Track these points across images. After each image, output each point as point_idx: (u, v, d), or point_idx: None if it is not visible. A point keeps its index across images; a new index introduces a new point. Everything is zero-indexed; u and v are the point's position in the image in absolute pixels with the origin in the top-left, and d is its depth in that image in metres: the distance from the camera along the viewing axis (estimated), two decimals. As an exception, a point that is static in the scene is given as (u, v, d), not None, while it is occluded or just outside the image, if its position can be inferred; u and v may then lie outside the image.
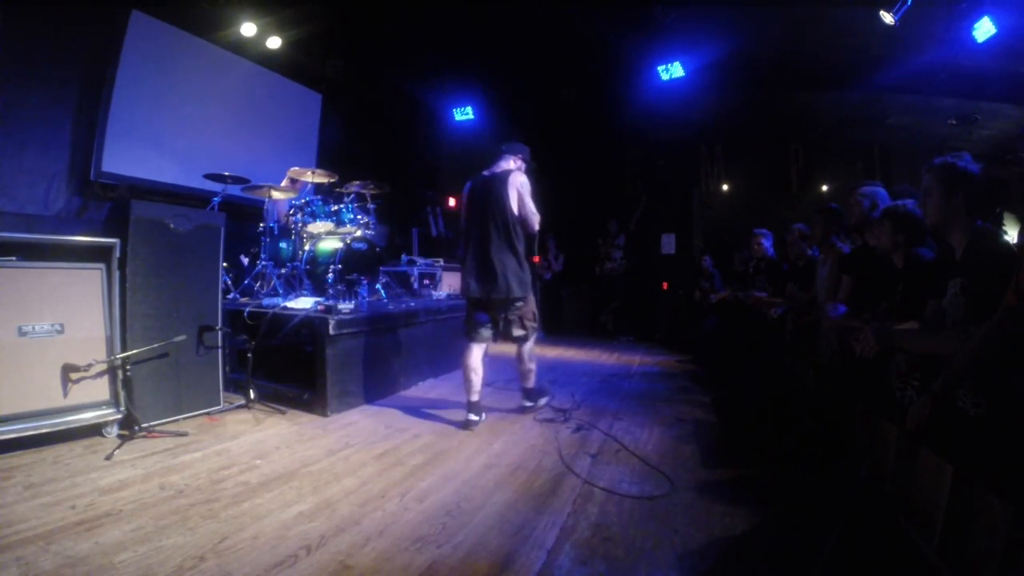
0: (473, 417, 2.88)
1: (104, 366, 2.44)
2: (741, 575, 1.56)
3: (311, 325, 3.17)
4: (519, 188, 2.87)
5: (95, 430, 2.44)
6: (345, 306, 3.30)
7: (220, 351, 3.00)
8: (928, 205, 1.78)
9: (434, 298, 5.21)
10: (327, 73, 6.85)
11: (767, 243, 4.71)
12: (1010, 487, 1.14)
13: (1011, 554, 1.12)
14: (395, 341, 3.68)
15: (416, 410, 3.21)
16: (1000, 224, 5.27)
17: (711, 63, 5.99)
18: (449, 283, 5.81)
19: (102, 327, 2.46)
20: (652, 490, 2.07)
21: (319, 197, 4.44)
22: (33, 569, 1.38)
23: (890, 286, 2.29)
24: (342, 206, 4.43)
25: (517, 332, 2.94)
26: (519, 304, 2.90)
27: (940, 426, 1.42)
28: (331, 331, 3.04)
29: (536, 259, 3.21)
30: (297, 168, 4.53)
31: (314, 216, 4.27)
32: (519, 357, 3.08)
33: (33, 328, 2.25)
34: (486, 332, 2.95)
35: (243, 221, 4.72)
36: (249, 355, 3.12)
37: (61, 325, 2.33)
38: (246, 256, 4.59)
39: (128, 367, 2.49)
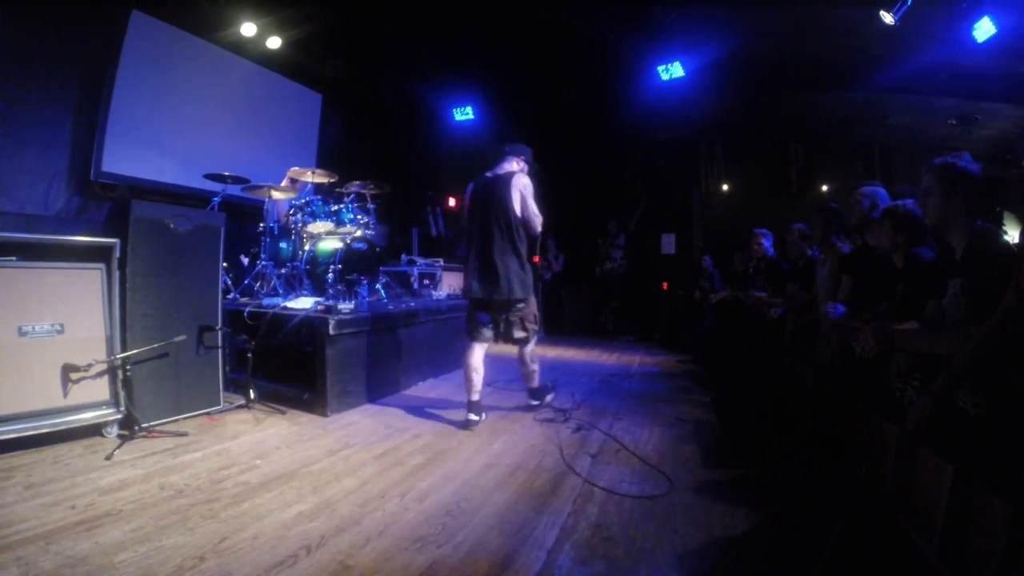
0: (473, 417, 2.88)
1: (104, 366, 2.44)
2: (741, 575, 1.56)
3: (311, 325, 3.18)
4: (522, 190, 2.88)
5: (95, 430, 2.44)
6: (345, 306, 3.30)
7: (220, 351, 3.00)
8: (928, 205, 1.78)
9: (434, 298, 5.21)
10: (327, 73, 6.85)
11: (767, 243, 4.70)
12: (1010, 487, 1.14)
13: (1011, 554, 1.12)
14: (395, 341, 3.68)
15: (416, 410, 3.21)
16: (1000, 224, 5.27)
17: (711, 63, 5.99)
18: (449, 283, 5.81)
19: (102, 327, 2.46)
20: (652, 490, 2.07)
21: (319, 197, 4.44)
22: (33, 569, 1.38)
23: (890, 286, 2.29)
24: (342, 206, 4.43)
25: (518, 334, 2.95)
26: (520, 306, 2.91)
27: (940, 426, 1.42)
28: (331, 331, 3.05)
29: (536, 259, 3.21)
30: (297, 168, 4.53)
31: (314, 216, 4.27)
32: (521, 359, 3.09)
33: (33, 328, 2.25)
34: (488, 332, 2.96)
35: (243, 221, 4.72)
36: (249, 355, 3.12)
37: (61, 325, 2.33)
38: (246, 256, 4.59)
39: (128, 367, 2.49)
